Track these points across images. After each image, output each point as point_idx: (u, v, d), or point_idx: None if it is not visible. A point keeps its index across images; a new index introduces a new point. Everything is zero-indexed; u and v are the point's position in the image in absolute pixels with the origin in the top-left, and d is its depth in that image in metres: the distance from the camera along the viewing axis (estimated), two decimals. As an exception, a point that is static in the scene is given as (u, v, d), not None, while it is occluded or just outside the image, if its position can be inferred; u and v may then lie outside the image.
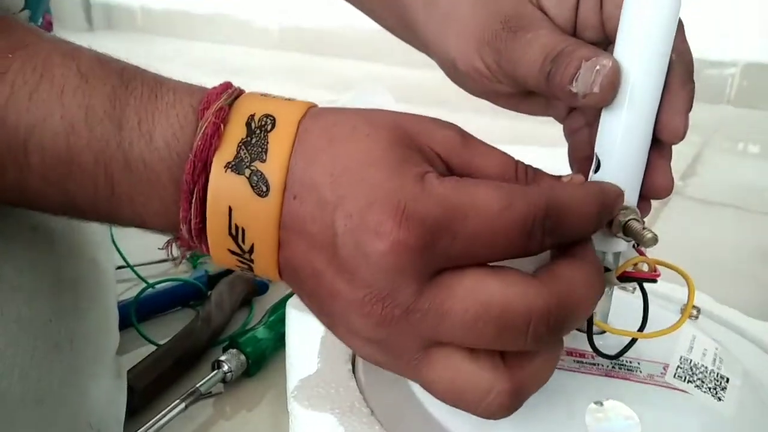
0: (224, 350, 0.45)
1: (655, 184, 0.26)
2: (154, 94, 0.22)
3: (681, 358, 0.28)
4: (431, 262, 0.19)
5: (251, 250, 0.21)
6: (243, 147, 0.21)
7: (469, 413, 0.21)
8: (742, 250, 0.74)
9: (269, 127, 0.21)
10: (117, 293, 0.41)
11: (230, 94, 0.22)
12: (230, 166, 0.21)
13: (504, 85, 0.30)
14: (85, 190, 0.22)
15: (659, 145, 0.26)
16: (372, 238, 0.19)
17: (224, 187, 0.21)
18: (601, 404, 0.24)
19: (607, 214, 0.23)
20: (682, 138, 0.25)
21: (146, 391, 0.40)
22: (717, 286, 0.40)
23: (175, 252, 0.24)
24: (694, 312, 0.35)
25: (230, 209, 0.21)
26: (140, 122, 0.22)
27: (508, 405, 0.20)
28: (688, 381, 0.26)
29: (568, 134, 0.32)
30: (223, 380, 0.43)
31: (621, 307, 0.28)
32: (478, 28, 0.29)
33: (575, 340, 0.28)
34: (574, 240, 0.22)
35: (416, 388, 0.26)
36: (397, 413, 0.26)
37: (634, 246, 0.26)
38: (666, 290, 0.35)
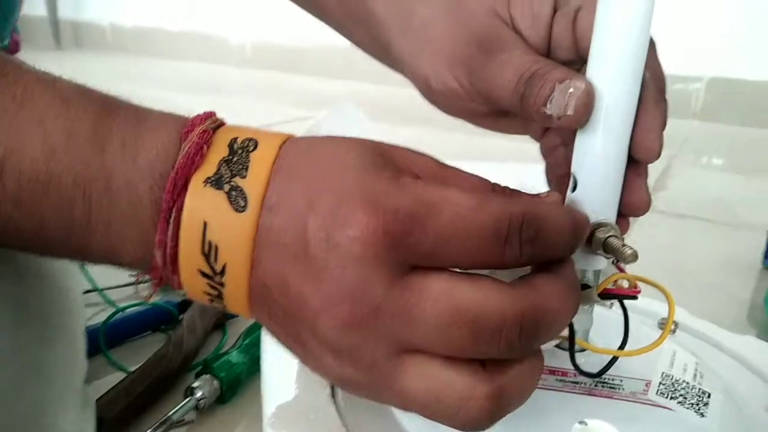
0: (197, 376, 0.44)
1: (633, 202, 0.26)
2: (137, 119, 0.22)
3: (663, 374, 0.28)
4: (402, 256, 0.19)
5: (223, 271, 0.21)
6: (224, 164, 0.21)
7: (448, 427, 0.20)
8: (712, 263, 0.76)
9: (251, 148, 0.21)
10: (85, 319, 0.39)
11: (214, 120, 0.23)
12: (209, 181, 0.21)
13: (478, 104, 0.30)
14: (59, 215, 0.22)
15: (635, 164, 0.26)
16: (342, 228, 0.19)
17: (201, 202, 0.21)
18: (586, 424, 0.24)
19: (581, 235, 0.23)
20: (657, 157, 0.25)
21: (116, 420, 0.39)
22: (689, 298, 0.41)
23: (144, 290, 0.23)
24: (672, 326, 0.35)
25: (205, 225, 0.20)
26: (124, 145, 0.22)
27: (489, 410, 0.19)
28: (671, 397, 0.26)
29: (545, 153, 0.32)
30: (196, 407, 0.42)
31: (600, 323, 0.28)
32: (451, 48, 0.30)
33: (557, 358, 0.27)
34: (552, 259, 0.21)
35: (399, 414, 0.26)
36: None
37: (613, 262, 0.26)
38: (643, 305, 0.36)
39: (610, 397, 0.26)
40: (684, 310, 0.37)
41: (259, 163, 0.21)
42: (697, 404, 0.26)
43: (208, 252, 0.21)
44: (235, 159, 0.21)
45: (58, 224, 0.22)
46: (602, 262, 0.26)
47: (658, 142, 0.25)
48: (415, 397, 0.20)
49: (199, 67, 2.34)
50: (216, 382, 0.43)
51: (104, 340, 0.47)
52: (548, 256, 0.21)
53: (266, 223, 0.20)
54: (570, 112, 0.24)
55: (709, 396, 0.27)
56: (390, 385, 0.20)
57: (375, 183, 0.20)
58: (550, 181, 0.31)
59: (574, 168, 0.26)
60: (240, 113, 1.49)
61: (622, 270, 0.27)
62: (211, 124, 0.22)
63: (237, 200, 0.20)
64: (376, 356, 0.20)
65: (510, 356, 0.20)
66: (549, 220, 0.20)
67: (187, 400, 0.41)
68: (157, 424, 0.38)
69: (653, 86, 0.25)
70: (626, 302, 0.27)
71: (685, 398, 0.26)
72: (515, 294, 0.19)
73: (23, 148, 0.21)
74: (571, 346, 0.25)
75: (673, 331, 0.35)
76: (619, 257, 0.24)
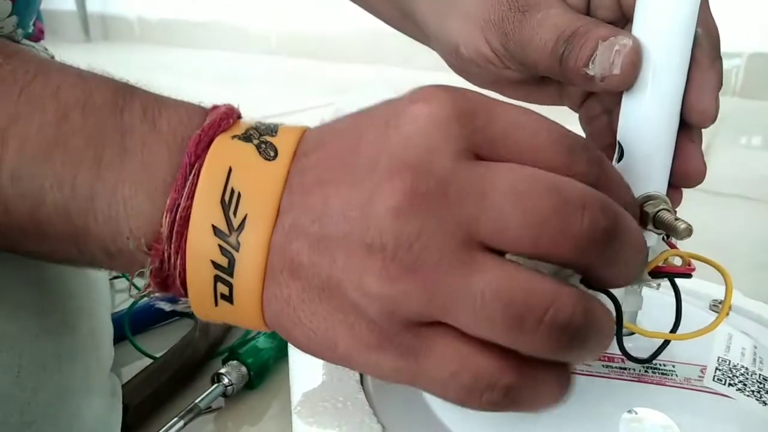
0: (224, 362, 0.43)
1: (686, 171, 0.24)
2: (158, 97, 0.22)
3: (719, 359, 0.25)
4: (470, 134, 0.17)
5: (241, 226, 0.18)
6: (252, 129, 0.20)
7: (530, 334, 0.16)
8: (757, 242, 0.73)
9: (278, 124, 0.21)
10: (110, 305, 0.39)
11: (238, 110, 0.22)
12: (237, 137, 0.20)
13: (512, 71, 0.29)
14: (60, 186, 0.20)
15: (688, 129, 0.24)
16: (405, 106, 0.18)
17: (228, 149, 0.19)
18: (636, 413, 0.22)
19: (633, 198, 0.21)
20: (713, 120, 0.23)
21: (141, 408, 0.38)
22: (739, 279, 0.38)
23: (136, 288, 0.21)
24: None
25: (230, 171, 0.19)
26: (144, 109, 0.21)
27: (583, 308, 0.17)
28: (729, 384, 0.24)
29: (585, 123, 0.30)
30: (224, 394, 0.41)
31: (648, 305, 0.26)
32: (482, 9, 0.28)
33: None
34: (616, 197, 0.18)
35: (432, 402, 0.24)
36: (412, 430, 0.24)
37: (664, 239, 0.24)
38: (693, 285, 0.33)
39: (662, 384, 0.24)
40: (737, 291, 0.34)
41: (288, 129, 0.20)
42: (759, 391, 0.24)
43: (229, 201, 0.19)
44: (263, 127, 0.20)
45: (56, 199, 0.20)
46: (652, 238, 0.24)
47: (714, 104, 0.23)
48: (497, 295, 0.16)
49: (224, 56, 2.35)
50: (243, 368, 0.42)
51: (130, 326, 0.47)
52: (614, 195, 0.18)
53: (300, 165, 0.19)
54: (616, 71, 0.22)
55: (770, 383, 0.25)
56: (460, 285, 0.16)
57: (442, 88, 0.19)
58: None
59: (620, 135, 0.24)
60: (266, 100, 1.49)
61: (673, 247, 0.24)
62: (237, 112, 0.21)
63: (267, 151, 0.19)
64: (444, 247, 0.16)
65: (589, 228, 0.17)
66: (610, 165, 0.19)
67: (214, 387, 0.41)
68: (184, 412, 0.38)
69: (707, 43, 0.23)
70: (678, 282, 0.25)
71: (745, 385, 0.24)
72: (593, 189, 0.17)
73: (32, 114, 0.20)
74: (618, 328, 0.23)
75: (727, 314, 0.32)
76: (672, 232, 0.23)
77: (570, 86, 0.29)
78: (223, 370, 0.42)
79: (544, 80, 0.29)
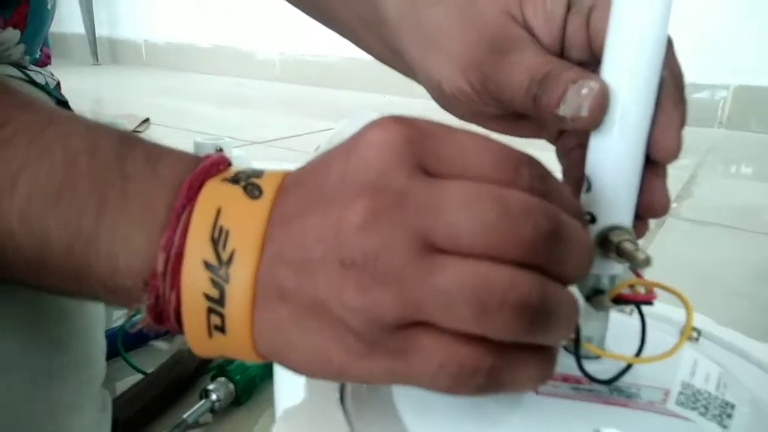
0: (212, 379, 0.44)
1: (651, 204, 0.25)
2: (160, 146, 0.24)
3: (682, 383, 0.26)
4: (420, 154, 0.19)
5: (230, 260, 0.20)
6: (241, 173, 0.22)
7: (496, 317, 0.18)
8: (740, 271, 0.74)
9: (263, 170, 0.23)
10: (104, 322, 0.40)
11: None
12: (226, 179, 0.21)
13: (492, 107, 0.30)
14: (66, 226, 0.22)
15: (653, 164, 0.25)
16: (360, 138, 0.20)
17: (217, 192, 0.21)
18: (600, 434, 0.23)
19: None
20: (676, 157, 0.24)
21: (131, 422, 0.39)
22: (716, 306, 0.39)
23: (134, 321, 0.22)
24: (695, 334, 0.33)
25: (218, 211, 0.21)
26: (146, 157, 0.22)
27: (538, 289, 0.18)
28: (692, 408, 0.25)
29: (561, 155, 0.31)
30: (212, 410, 0.42)
31: (620, 330, 0.27)
32: (463, 51, 0.29)
33: (567, 365, 0.26)
34: (560, 206, 0.20)
35: (409, 420, 0.25)
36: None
37: (631, 268, 0.26)
38: (665, 312, 0.34)
39: (627, 406, 0.25)
40: (709, 318, 0.35)
41: (273, 172, 0.22)
42: (720, 415, 0.25)
43: (218, 237, 0.20)
44: (250, 171, 0.22)
45: (61, 238, 0.22)
46: (618, 268, 0.26)
47: (676, 141, 0.24)
48: (460, 287, 0.18)
49: (229, 81, 2.38)
50: (231, 385, 0.43)
51: (124, 342, 0.47)
52: (557, 202, 0.20)
53: (281, 201, 0.21)
54: (584, 113, 0.24)
55: (733, 407, 0.26)
56: (425, 283, 0.18)
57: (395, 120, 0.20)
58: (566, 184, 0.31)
59: (588, 169, 0.25)
60: (268, 124, 1.51)
61: (639, 276, 0.26)
62: (228, 160, 0.23)
63: (252, 191, 0.21)
64: (406, 254, 0.18)
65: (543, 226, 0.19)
66: (554, 178, 0.21)
67: (202, 402, 0.42)
68: (172, 427, 0.38)
69: (671, 84, 0.24)
70: (649, 311, 0.26)
71: (707, 409, 0.25)
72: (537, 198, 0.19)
73: (43, 160, 0.22)
74: (576, 348, 0.24)
75: (696, 339, 0.33)
76: (632, 262, 0.24)
77: (563, 126, 0.31)
78: (210, 387, 0.43)
79: (523, 116, 0.30)
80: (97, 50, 2.93)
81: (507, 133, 0.33)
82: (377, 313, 0.18)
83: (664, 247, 0.78)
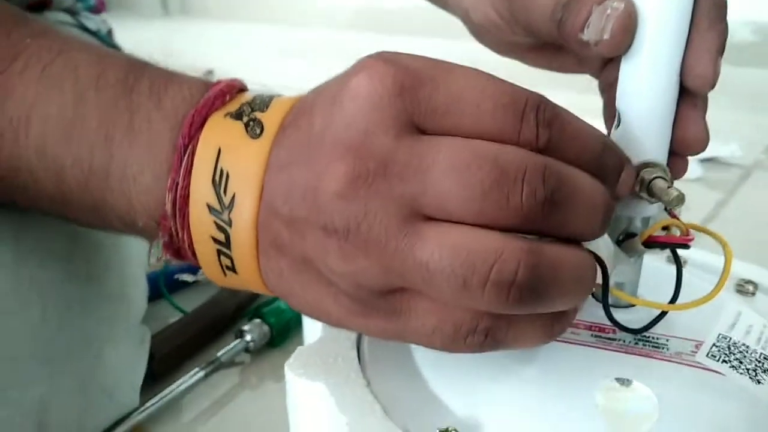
0: (249, 320, 0.45)
1: (687, 138, 0.23)
2: (168, 73, 0.23)
3: (719, 335, 0.24)
4: (411, 107, 0.17)
5: (231, 204, 0.20)
6: (246, 105, 0.21)
7: (478, 295, 0.17)
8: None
9: (275, 97, 0.21)
10: (146, 263, 0.41)
11: (241, 84, 0.23)
12: (230, 114, 0.21)
13: (521, 36, 0.28)
14: (80, 164, 0.22)
15: (689, 95, 0.23)
16: (348, 80, 0.18)
17: (218, 130, 0.21)
18: (616, 382, 0.22)
19: (613, 157, 0.20)
20: (712, 86, 0.22)
21: (167, 357, 0.41)
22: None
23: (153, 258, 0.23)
24: (750, 288, 0.31)
25: (219, 151, 0.20)
26: (151, 87, 0.22)
27: (531, 264, 0.16)
28: (723, 361, 0.23)
29: (604, 89, 0.29)
30: (247, 350, 0.43)
31: (660, 278, 0.25)
32: None
33: (594, 313, 0.25)
34: (576, 161, 0.18)
35: (422, 363, 0.24)
36: (396, 387, 0.24)
37: (666, 209, 0.23)
38: (714, 262, 0.32)
39: (650, 357, 0.23)
40: (768, 271, 0.32)
41: (281, 102, 0.21)
42: (755, 370, 0.23)
43: (219, 180, 0.20)
44: (257, 101, 0.21)
45: (76, 175, 0.22)
46: (651, 209, 0.24)
47: (712, 68, 0.21)
48: (440, 263, 0.16)
49: (298, 30, 2.36)
50: (266, 327, 0.44)
51: (169, 285, 0.49)
52: (570, 153, 0.18)
53: (278, 141, 0.20)
54: (606, 36, 0.21)
55: (773, 362, 0.23)
56: (408, 257, 0.17)
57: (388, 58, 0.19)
58: (606, 122, 0.28)
59: (618, 102, 0.23)
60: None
61: (674, 217, 0.23)
62: (239, 85, 0.22)
63: (253, 128, 0.20)
64: (388, 224, 0.17)
65: (536, 223, 0.17)
66: (571, 119, 0.18)
67: (236, 342, 0.43)
68: (206, 363, 0.40)
69: (707, 4, 0.22)
70: (693, 260, 0.24)
71: (741, 362, 0.23)
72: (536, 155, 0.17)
73: (52, 95, 0.22)
74: (604, 293, 0.22)
75: (752, 293, 0.31)
76: (664, 200, 0.22)
77: (588, 53, 0.29)
78: (246, 327, 0.44)
79: (561, 47, 0.28)
80: (167, 1, 2.96)
81: (546, 67, 0.31)
82: (362, 280, 0.18)
83: (749, 202, 0.72)
